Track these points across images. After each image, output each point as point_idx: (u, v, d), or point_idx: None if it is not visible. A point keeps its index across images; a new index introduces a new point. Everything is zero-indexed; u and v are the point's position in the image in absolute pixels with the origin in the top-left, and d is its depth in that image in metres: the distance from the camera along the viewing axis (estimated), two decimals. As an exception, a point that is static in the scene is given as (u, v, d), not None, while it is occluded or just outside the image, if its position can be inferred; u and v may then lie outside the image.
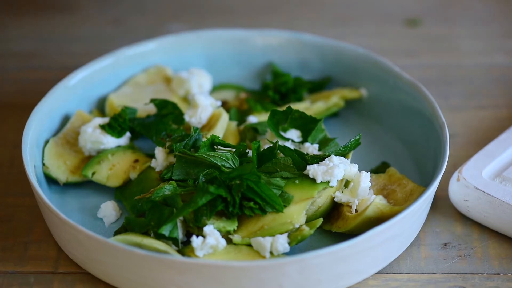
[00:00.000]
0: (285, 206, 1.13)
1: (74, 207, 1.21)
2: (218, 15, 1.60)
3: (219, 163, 1.15)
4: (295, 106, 1.27)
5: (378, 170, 1.24)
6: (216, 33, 1.38)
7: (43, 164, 1.22)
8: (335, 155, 1.17)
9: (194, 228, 1.12)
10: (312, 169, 1.15)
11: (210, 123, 1.26)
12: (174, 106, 1.26)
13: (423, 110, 1.25)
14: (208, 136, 1.19)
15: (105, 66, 1.33)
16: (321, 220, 1.13)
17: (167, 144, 1.21)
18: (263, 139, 1.25)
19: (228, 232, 1.13)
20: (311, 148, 1.22)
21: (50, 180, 1.23)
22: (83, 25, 1.58)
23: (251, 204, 1.12)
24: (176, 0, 1.64)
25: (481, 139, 1.31)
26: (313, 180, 1.15)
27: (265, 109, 1.31)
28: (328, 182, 1.14)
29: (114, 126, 1.24)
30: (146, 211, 1.13)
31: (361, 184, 1.15)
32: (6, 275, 1.14)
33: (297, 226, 1.12)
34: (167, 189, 1.14)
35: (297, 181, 1.15)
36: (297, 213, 1.12)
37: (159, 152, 1.21)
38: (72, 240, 1.11)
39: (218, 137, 1.19)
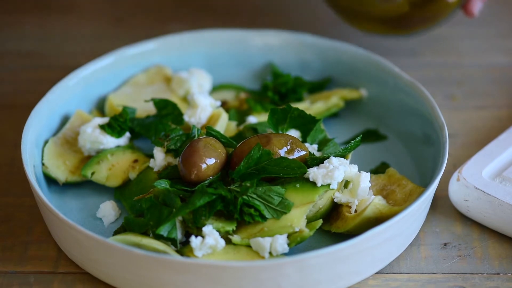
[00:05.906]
0: (285, 213, 1.12)
1: (74, 207, 1.21)
2: (218, 15, 1.59)
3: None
4: (295, 106, 1.27)
5: (377, 170, 1.24)
6: (216, 33, 1.38)
7: (43, 164, 1.22)
8: (335, 157, 1.16)
9: (193, 228, 1.12)
10: (312, 173, 1.14)
11: (210, 123, 1.25)
12: (173, 106, 1.26)
13: (423, 110, 1.25)
14: (205, 128, 1.19)
15: (105, 66, 1.33)
16: (320, 221, 1.13)
17: (165, 144, 1.21)
18: (263, 139, 1.25)
19: (227, 232, 1.12)
20: (311, 149, 1.21)
21: (50, 180, 1.23)
22: (83, 24, 1.58)
23: (252, 211, 1.11)
24: (176, 0, 1.64)
25: (481, 139, 1.31)
26: (314, 184, 1.14)
27: (265, 109, 1.31)
28: (329, 185, 1.14)
29: (114, 126, 1.24)
30: (145, 211, 1.13)
31: (360, 185, 1.15)
32: (6, 275, 1.14)
33: (297, 229, 1.11)
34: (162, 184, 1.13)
35: (298, 185, 1.14)
36: (297, 217, 1.12)
37: (158, 152, 1.21)
38: (72, 240, 1.11)
39: (217, 131, 1.19)
